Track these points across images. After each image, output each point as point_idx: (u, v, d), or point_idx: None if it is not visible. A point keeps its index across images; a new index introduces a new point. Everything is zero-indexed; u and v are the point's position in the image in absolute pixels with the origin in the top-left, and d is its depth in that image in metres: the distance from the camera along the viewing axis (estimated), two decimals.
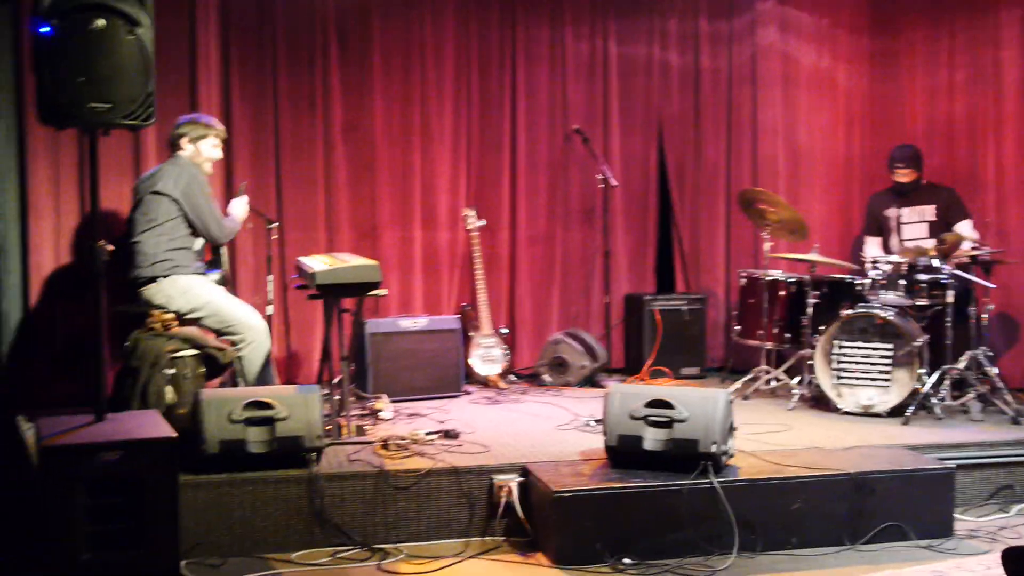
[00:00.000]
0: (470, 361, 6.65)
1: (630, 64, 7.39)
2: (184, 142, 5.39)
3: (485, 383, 6.68)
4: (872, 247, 6.83)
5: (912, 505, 4.49)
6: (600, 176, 7.02)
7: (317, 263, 5.10)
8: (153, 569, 3.71)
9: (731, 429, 4.54)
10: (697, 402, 4.41)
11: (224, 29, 6.46)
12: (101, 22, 3.89)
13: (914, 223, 6.61)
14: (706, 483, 4.28)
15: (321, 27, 6.68)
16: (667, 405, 4.42)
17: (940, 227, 6.48)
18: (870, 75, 7.56)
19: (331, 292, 4.94)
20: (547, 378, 6.80)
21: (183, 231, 5.24)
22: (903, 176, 6.60)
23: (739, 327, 6.67)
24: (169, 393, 4.72)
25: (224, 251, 5.78)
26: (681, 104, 7.50)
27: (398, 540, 4.40)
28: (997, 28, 6.78)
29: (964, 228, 6.40)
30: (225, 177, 6.38)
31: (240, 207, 5.64)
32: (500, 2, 7.12)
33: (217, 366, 5.00)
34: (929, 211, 6.57)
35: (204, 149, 5.43)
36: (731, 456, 4.56)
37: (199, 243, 5.39)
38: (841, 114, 7.57)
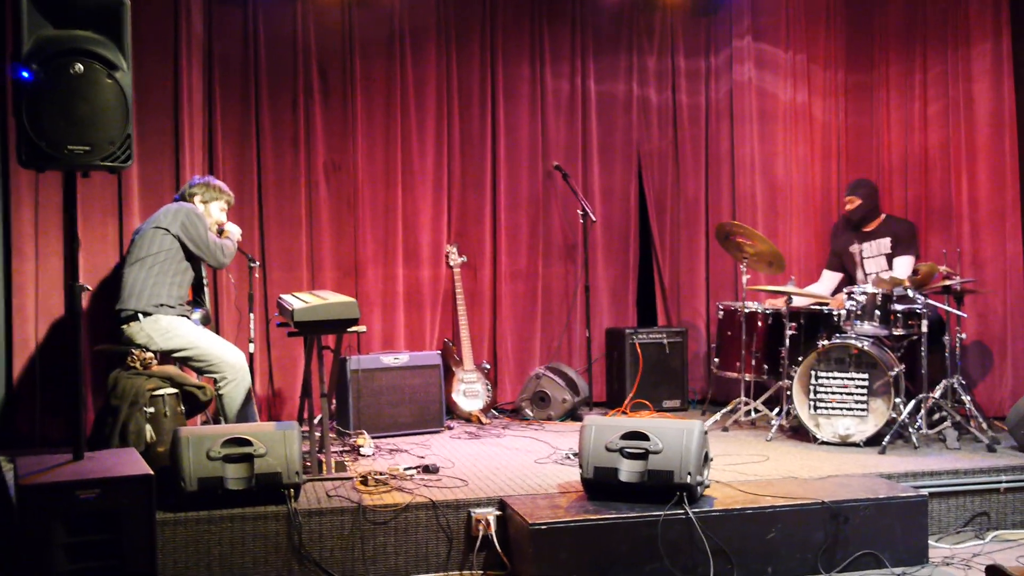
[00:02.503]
0: (452, 397, 6.70)
1: (609, 101, 7.50)
2: (196, 200, 5.59)
3: (467, 418, 6.72)
4: (825, 280, 6.96)
5: (887, 533, 4.52)
6: (580, 211, 7.10)
7: (297, 301, 5.16)
8: None
9: (706, 460, 4.57)
10: (672, 433, 4.45)
11: (208, 69, 6.56)
12: (80, 67, 3.97)
13: (873, 257, 6.74)
14: (681, 514, 4.32)
15: (304, 67, 6.78)
16: (642, 437, 4.46)
17: (894, 260, 6.62)
18: (845, 109, 7.66)
19: (310, 329, 4.98)
20: (529, 413, 6.84)
21: (175, 266, 5.34)
22: (848, 204, 6.78)
23: (718, 359, 6.73)
24: (148, 431, 4.76)
25: (206, 291, 5.85)
26: (660, 140, 7.60)
27: (377, 575, 4.42)
28: (968, 61, 6.89)
29: (900, 264, 6.53)
30: None
31: (234, 227, 5.79)
32: (480, 42, 7.24)
33: (197, 404, 5.04)
34: (885, 244, 6.69)
35: (213, 211, 5.65)
36: (707, 487, 4.60)
37: (188, 281, 5.47)
38: (818, 148, 7.65)
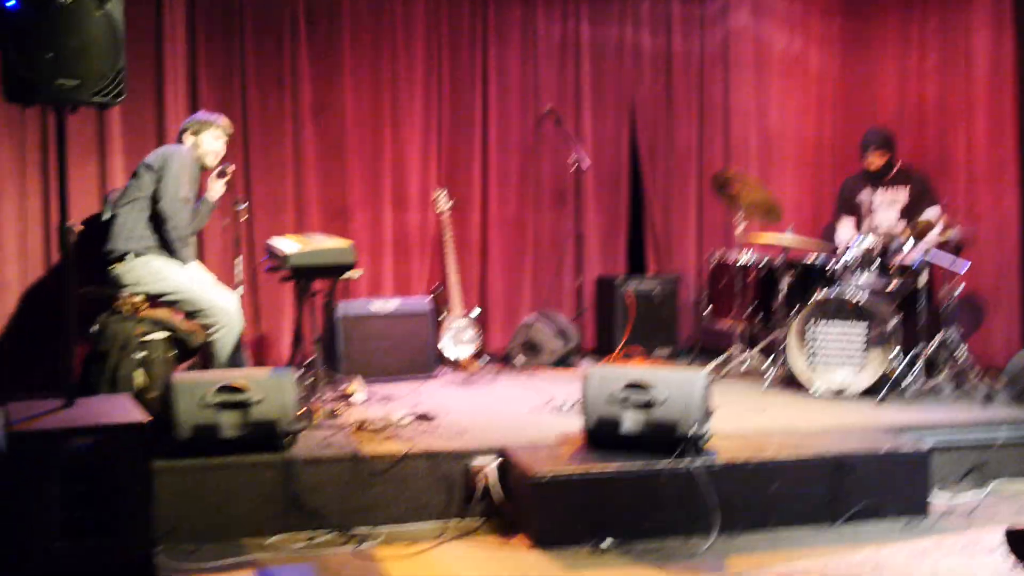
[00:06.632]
0: (441, 343, 6.60)
1: (602, 46, 7.35)
2: (186, 136, 5.39)
3: (457, 365, 6.63)
4: (846, 228, 6.83)
5: (889, 485, 4.49)
6: (572, 158, 6.98)
7: (289, 245, 5.01)
8: (127, 556, 3.63)
9: (709, 411, 4.51)
10: (676, 384, 4.38)
11: (191, 7, 6.35)
12: None
13: (886, 206, 6.60)
14: (684, 466, 4.26)
15: (290, 6, 6.57)
16: (646, 387, 4.39)
17: (910, 211, 6.48)
18: (842, 58, 7.56)
19: (304, 274, 4.85)
20: (519, 360, 6.76)
21: None
22: (877, 158, 6.52)
23: (709, 308, 6.65)
24: (139, 377, 4.64)
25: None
26: (653, 86, 7.46)
27: (375, 523, 4.33)
28: (968, 13, 6.80)
29: (931, 215, 6.40)
30: None
31: (216, 190, 5.51)
32: None
33: (187, 349, 4.92)
34: (902, 195, 6.54)
35: (205, 140, 5.41)
36: (709, 438, 4.54)
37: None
38: (813, 97, 7.55)
